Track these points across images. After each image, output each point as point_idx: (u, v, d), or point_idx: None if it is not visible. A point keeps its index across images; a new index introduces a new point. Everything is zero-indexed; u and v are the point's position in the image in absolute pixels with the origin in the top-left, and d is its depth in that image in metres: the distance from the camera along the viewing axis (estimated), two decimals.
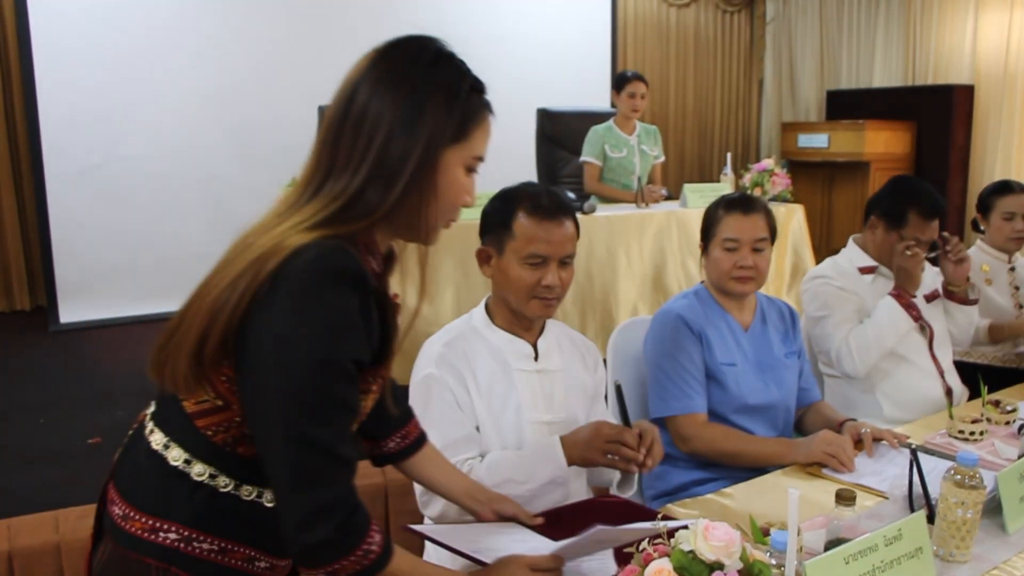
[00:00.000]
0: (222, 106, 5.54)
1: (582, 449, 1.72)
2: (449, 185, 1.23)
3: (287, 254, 1.12)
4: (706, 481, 2.16)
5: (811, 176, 6.61)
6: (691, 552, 1.09)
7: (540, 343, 1.90)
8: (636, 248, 4.01)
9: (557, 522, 1.59)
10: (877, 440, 2.06)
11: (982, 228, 3.25)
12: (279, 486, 1.14)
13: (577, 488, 1.88)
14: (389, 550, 1.22)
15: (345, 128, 1.20)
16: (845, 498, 1.49)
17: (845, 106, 7.00)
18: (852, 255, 2.69)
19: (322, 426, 1.12)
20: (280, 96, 5.60)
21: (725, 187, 4.43)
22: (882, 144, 6.37)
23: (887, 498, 1.80)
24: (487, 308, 1.92)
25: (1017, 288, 3.16)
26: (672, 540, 1.16)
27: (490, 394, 1.82)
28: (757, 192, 4.42)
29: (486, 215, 1.86)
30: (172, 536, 1.20)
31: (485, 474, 1.73)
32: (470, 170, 1.27)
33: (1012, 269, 3.16)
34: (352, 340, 1.15)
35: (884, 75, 7.05)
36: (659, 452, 1.71)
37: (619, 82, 4.85)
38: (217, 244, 1.25)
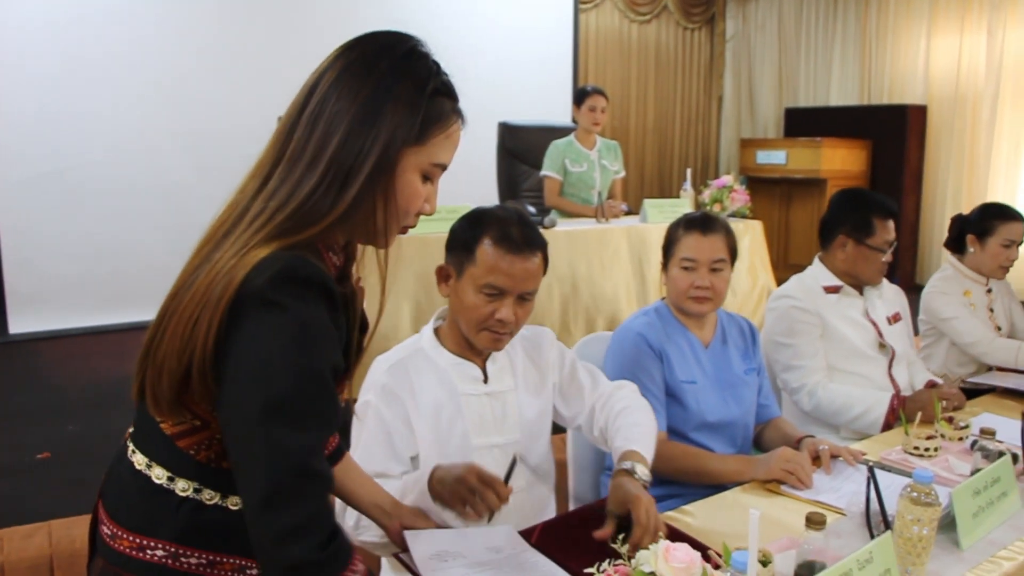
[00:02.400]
0: (180, 114, 5.46)
1: (449, 484, 1.58)
2: (405, 190, 1.19)
3: (248, 271, 1.09)
4: (665, 498, 2.16)
5: (769, 192, 6.69)
6: (651, 573, 1.08)
7: (490, 365, 1.87)
8: (596, 263, 4.01)
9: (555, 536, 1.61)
10: (835, 457, 2.08)
11: (969, 249, 3.18)
12: (253, 503, 1.09)
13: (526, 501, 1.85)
14: None
15: (301, 120, 1.16)
16: (815, 522, 1.48)
17: (803, 123, 7.11)
18: (817, 274, 2.72)
19: (299, 437, 1.08)
20: (239, 105, 5.53)
21: (685, 203, 4.47)
22: (839, 161, 6.47)
23: (845, 515, 1.81)
24: (438, 328, 1.89)
25: (991, 311, 3.20)
26: (632, 561, 1.15)
27: (435, 420, 1.79)
28: (716, 208, 4.46)
29: (453, 233, 1.82)
30: (160, 553, 1.18)
31: None
32: (428, 177, 1.22)
33: (989, 291, 3.21)
34: (326, 346, 1.13)
35: (840, 94, 7.18)
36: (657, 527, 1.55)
37: (579, 96, 4.87)
38: (175, 255, 1.22)
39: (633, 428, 1.82)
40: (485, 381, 1.85)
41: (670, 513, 1.85)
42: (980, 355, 3.11)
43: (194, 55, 5.51)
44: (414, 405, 1.78)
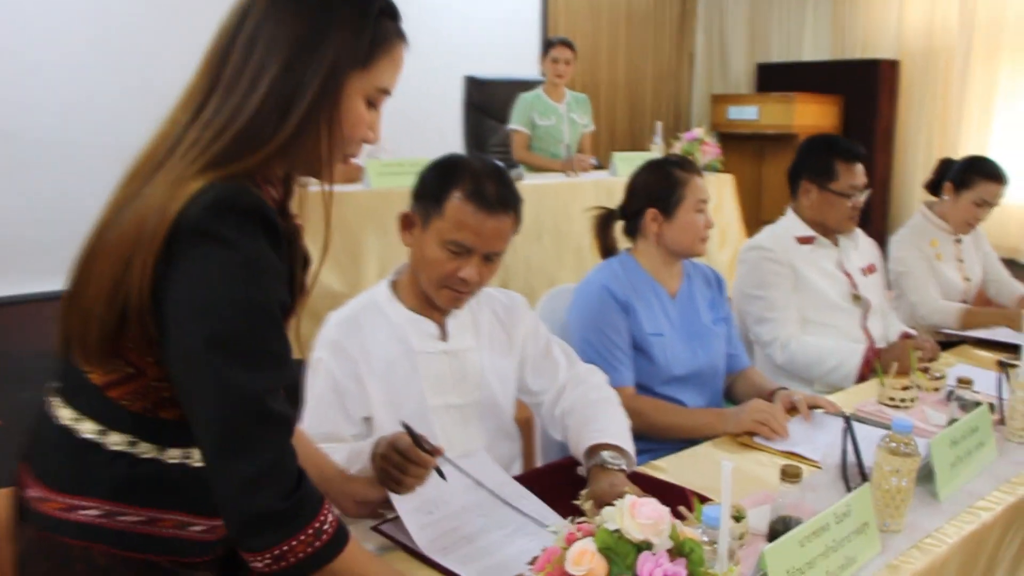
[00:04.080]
0: (136, 72, 5.24)
1: (377, 464, 1.49)
2: (350, 116, 1.11)
3: (183, 203, 1.00)
4: (636, 453, 2.10)
5: (741, 149, 6.62)
6: (617, 531, 1.00)
7: (450, 322, 1.77)
8: (564, 218, 3.92)
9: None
10: (813, 407, 2.03)
11: (944, 196, 3.08)
12: (212, 452, 1.03)
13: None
14: (344, 534, 1.10)
15: (235, 44, 1.07)
16: (790, 475, 1.42)
17: (775, 79, 7.02)
18: (790, 225, 2.64)
19: (253, 376, 1.01)
20: (192, 57, 5.32)
21: (655, 156, 4.36)
22: (811, 117, 6.40)
23: (819, 467, 1.75)
24: (395, 282, 1.78)
25: (961, 261, 3.13)
26: (597, 519, 1.07)
27: (389, 379, 1.69)
28: None
29: (422, 180, 1.69)
30: (93, 512, 1.10)
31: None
32: (372, 103, 1.15)
33: (958, 241, 3.13)
34: (271, 282, 1.05)
35: (813, 49, 7.09)
36: None
37: (544, 47, 4.76)
38: None
39: (611, 423, 1.75)
40: (444, 339, 1.76)
41: (641, 468, 1.78)
42: (921, 316, 3.04)
43: (149, 10, 5.29)
44: (366, 363, 1.68)
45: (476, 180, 1.62)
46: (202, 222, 1.00)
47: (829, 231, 2.60)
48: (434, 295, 1.69)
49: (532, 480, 1.66)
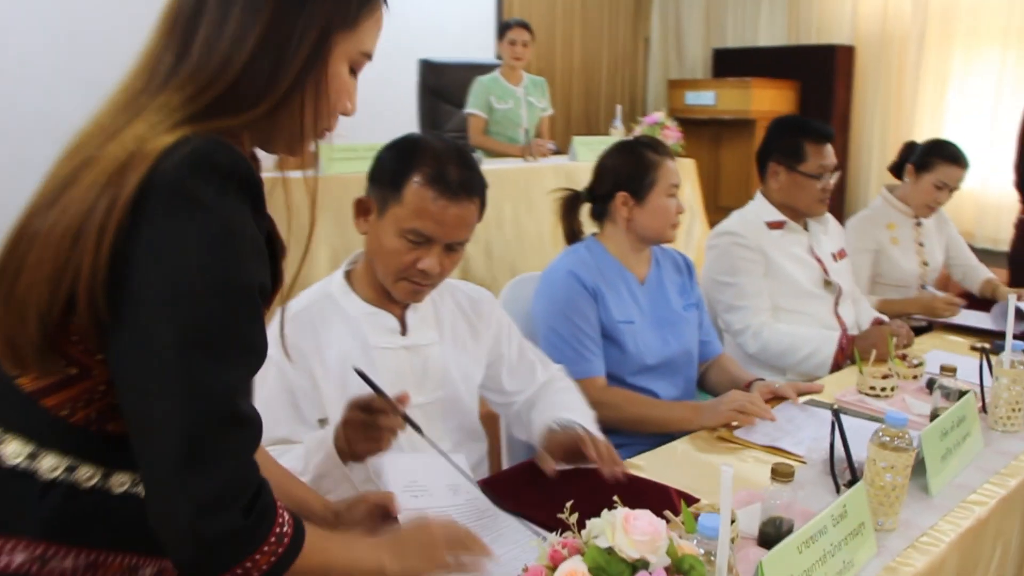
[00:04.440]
0: (82, 57, 4.99)
1: (346, 434, 1.40)
2: (336, 81, 0.99)
3: (154, 159, 0.85)
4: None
5: (698, 134, 6.56)
6: (609, 548, 0.89)
7: (410, 315, 1.64)
8: (523, 204, 3.79)
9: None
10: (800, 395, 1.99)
11: (905, 178, 3.01)
12: (168, 465, 0.85)
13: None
14: (301, 529, 0.95)
15: (207, 2, 0.94)
16: (782, 474, 1.32)
17: (731, 64, 6.96)
18: (760, 209, 2.55)
19: (224, 373, 0.87)
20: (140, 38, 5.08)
21: (615, 139, 4.26)
22: (768, 102, 6.35)
23: (804, 463, 1.66)
24: (349, 272, 1.65)
25: (922, 245, 3.06)
26: (584, 532, 0.95)
27: (344, 377, 1.54)
28: None
29: (379, 161, 1.56)
30: (20, 558, 0.90)
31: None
32: (354, 70, 1.03)
33: (918, 224, 3.06)
34: (253, 258, 0.91)
35: (769, 34, 7.05)
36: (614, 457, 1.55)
37: (501, 30, 4.64)
38: None
39: (576, 406, 1.72)
40: (403, 333, 1.63)
41: None
42: None
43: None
44: (319, 361, 1.55)
45: (437, 163, 1.49)
46: (179, 180, 0.84)
47: (799, 215, 2.52)
48: (391, 287, 1.57)
49: (501, 483, 1.55)
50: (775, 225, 2.50)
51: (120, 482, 0.95)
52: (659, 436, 1.87)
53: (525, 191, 3.82)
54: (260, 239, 0.92)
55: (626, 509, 0.92)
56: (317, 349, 1.56)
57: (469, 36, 6.02)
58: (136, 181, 0.84)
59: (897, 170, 3.08)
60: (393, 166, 1.52)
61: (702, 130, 6.55)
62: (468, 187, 1.50)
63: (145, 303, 0.85)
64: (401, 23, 5.51)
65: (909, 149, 3.06)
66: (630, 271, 2.10)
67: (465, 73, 4.79)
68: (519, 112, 4.59)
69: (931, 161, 2.93)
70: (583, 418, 1.66)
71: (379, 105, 5.19)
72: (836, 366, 2.33)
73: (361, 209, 1.58)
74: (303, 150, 1.01)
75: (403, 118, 4.96)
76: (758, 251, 2.44)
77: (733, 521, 1.31)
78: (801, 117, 2.63)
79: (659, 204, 2.05)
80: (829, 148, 2.46)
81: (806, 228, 2.54)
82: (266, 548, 0.89)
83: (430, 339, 1.66)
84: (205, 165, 0.86)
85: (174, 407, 0.84)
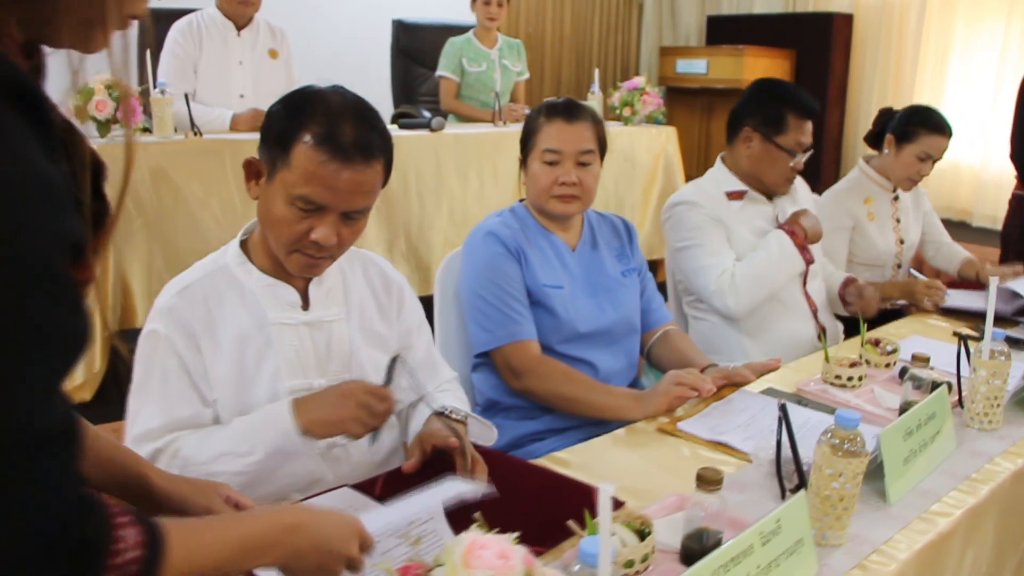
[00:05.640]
0: None
1: (328, 410, 1.31)
2: None
3: None
4: (545, 434, 1.84)
5: (689, 103, 6.34)
6: None
7: (313, 288, 1.46)
8: (489, 170, 3.59)
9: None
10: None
11: (885, 149, 2.75)
12: None
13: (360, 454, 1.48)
14: (157, 546, 0.72)
15: None
16: (709, 481, 1.14)
17: (725, 32, 6.73)
18: (719, 177, 2.34)
19: (16, 378, 0.61)
20: None
21: (592, 105, 4.03)
22: (761, 71, 6.11)
23: (751, 461, 1.47)
24: (246, 241, 1.47)
25: (898, 221, 2.83)
26: (436, 556, 0.77)
27: (238, 356, 1.39)
28: (627, 112, 4.07)
29: (270, 118, 1.37)
30: None
31: (195, 448, 1.32)
32: None
33: (896, 199, 2.84)
34: (47, 204, 0.63)
35: (765, 1, 6.81)
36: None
37: None
38: None
39: (458, 398, 1.62)
40: (305, 307, 1.45)
41: (539, 460, 1.49)
42: None
43: None
44: (211, 339, 1.38)
45: (330, 121, 1.30)
46: None
47: (764, 187, 2.31)
48: (284, 260, 1.39)
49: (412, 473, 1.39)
50: (735, 195, 2.29)
51: None
52: (594, 423, 1.70)
53: (492, 156, 3.62)
54: (48, 170, 0.63)
55: (477, 535, 0.73)
56: (208, 326, 1.39)
57: None
58: None
59: (874, 140, 2.84)
60: (282, 124, 1.33)
61: (694, 99, 6.34)
62: (365, 148, 1.31)
63: None
64: None
65: (886, 117, 2.82)
66: (558, 236, 1.94)
67: (440, 34, 4.55)
68: (493, 75, 4.36)
69: (913, 131, 2.68)
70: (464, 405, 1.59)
71: (347, 68, 5.00)
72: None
73: (251, 171, 1.39)
74: (101, 41, 0.71)
75: (375, 82, 4.74)
76: (716, 220, 2.24)
77: (649, 533, 1.13)
78: (787, 83, 2.41)
79: (532, 170, 1.90)
80: (810, 125, 2.25)
81: (770, 199, 2.33)
82: None
83: (335, 315, 1.48)
84: None
85: None
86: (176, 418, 1.35)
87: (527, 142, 1.91)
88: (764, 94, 2.31)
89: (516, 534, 0.83)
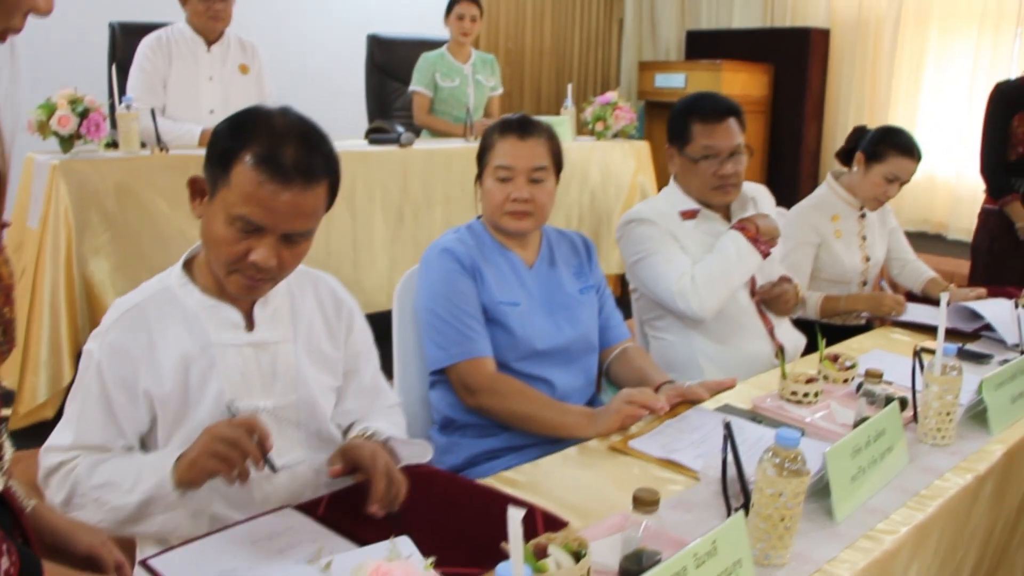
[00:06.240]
0: None
1: (192, 451, 1.28)
2: None
3: None
4: (501, 452, 1.83)
5: (668, 117, 6.36)
6: None
7: (258, 309, 1.44)
8: (458, 187, 3.58)
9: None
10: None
11: (854, 167, 2.75)
12: None
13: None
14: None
15: None
16: (645, 502, 1.13)
17: (704, 47, 6.76)
18: (673, 197, 2.31)
19: None
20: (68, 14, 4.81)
21: (565, 120, 4.04)
22: (739, 86, 6.14)
23: (699, 480, 1.46)
24: (190, 262, 1.46)
25: (864, 238, 2.83)
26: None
27: (182, 378, 1.37)
28: (599, 127, 4.07)
29: (215, 136, 1.35)
30: None
31: (88, 470, 1.33)
32: None
33: (862, 216, 2.83)
34: None
35: (744, 16, 6.85)
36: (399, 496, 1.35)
37: (450, 3, 4.39)
38: None
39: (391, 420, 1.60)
40: (250, 328, 1.43)
41: (488, 480, 1.48)
42: None
43: None
44: (151, 364, 1.37)
45: (272, 142, 1.28)
46: None
47: (710, 204, 2.28)
48: (224, 280, 1.37)
49: (355, 493, 1.37)
50: (688, 215, 2.26)
51: None
52: (551, 441, 1.69)
53: (462, 172, 3.62)
54: None
55: (378, 564, 0.71)
56: (149, 351, 1.37)
57: (425, 11, 5.80)
58: None
59: (846, 156, 2.84)
60: (225, 143, 1.32)
61: None
62: (306, 171, 1.29)
63: None
64: None
65: (859, 135, 2.83)
66: (515, 253, 1.94)
67: (415, 49, 4.57)
68: (466, 90, 4.36)
69: (883, 151, 2.67)
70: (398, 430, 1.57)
71: (322, 83, 4.99)
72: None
73: (195, 189, 1.38)
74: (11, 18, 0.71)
75: (349, 97, 4.75)
76: (671, 235, 2.23)
77: (584, 554, 1.12)
78: (702, 93, 2.33)
79: (486, 187, 1.90)
80: (724, 128, 2.19)
81: (726, 216, 2.32)
82: None
83: (280, 336, 1.46)
84: None
85: None
86: (84, 443, 1.36)
87: (482, 158, 1.91)
88: (674, 111, 2.29)
89: (431, 559, 0.82)
